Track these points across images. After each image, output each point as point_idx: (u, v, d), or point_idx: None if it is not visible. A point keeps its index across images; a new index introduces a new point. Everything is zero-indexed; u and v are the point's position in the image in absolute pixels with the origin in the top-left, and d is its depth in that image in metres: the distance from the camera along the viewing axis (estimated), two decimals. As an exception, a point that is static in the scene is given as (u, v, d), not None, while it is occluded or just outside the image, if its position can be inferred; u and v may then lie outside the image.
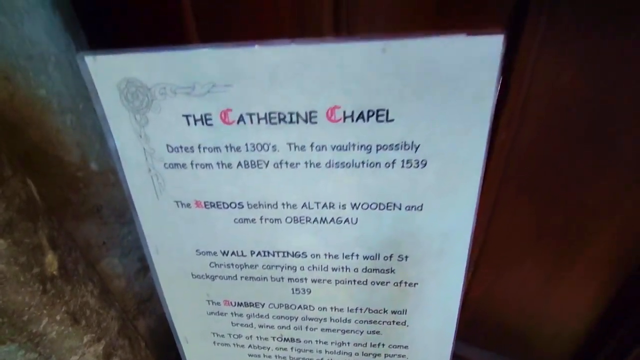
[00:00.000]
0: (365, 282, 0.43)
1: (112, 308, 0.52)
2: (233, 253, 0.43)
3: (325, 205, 0.38)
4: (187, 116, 0.35)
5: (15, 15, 0.41)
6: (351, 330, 0.47)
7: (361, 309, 0.45)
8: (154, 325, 0.67)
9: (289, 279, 0.44)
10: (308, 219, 0.39)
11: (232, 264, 0.44)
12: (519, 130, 0.42)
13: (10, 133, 0.43)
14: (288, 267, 0.43)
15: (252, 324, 0.49)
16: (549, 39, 0.36)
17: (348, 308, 0.45)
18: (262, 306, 0.47)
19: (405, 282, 0.42)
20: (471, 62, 0.29)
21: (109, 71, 0.34)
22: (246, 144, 0.36)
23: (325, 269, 0.42)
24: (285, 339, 0.50)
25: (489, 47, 0.28)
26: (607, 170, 0.42)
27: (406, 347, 0.48)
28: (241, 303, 0.47)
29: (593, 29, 0.34)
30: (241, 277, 0.45)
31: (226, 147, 0.36)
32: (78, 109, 0.48)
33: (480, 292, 0.60)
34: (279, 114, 0.34)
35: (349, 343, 0.48)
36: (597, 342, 0.56)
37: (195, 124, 0.35)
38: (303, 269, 0.43)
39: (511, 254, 0.54)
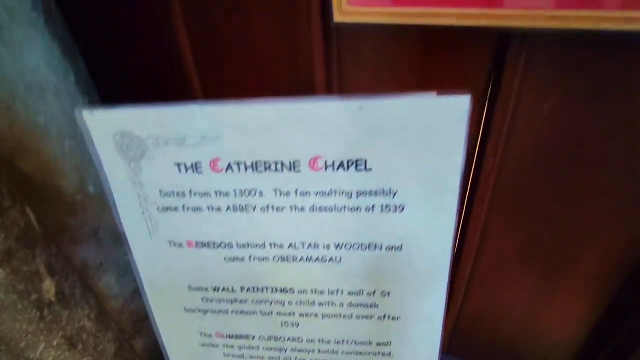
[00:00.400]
0: (350, 316, 0.45)
1: (109, 330, 0.53)
2: (224, 289, 0.45)
3: (310, 245, 0.40)
4: (178, 165, 0.37)
5: (15, 47, 0.42)
6: (339, 361, 0.49)
7: (347, 341, 0.47)
8: (151, 344, 0.68)
9: (278, 313, 0.46)
10: (295, 258, 0.41)
11: (224, 299, 0.46)
12: (505, 157, 0.44)
13: (9, 161, 0.44)
14: (277, 302, 0.45)
15: (243, 355, 0.50)
16: (529, 75, 0.38)
17: (335, 340, 0.47)
18: (253, 338, 0.49)
19: (389, 316, 0.44)
20: (441, 120, 0.32)
21: (105, 125, 0.36)
22: (234, 190, 0.38)
23: (312, 304, 0.44)
24: (275, 369, 0.52)
25: (458, 107, 0.31)
26: (589, 194, 0.44)
27: (392, 376, 0.49)
28: (233, 335, 0.49)
29: (568, 66, 0.37)
30: (232, 311, 0.46)
31: (216, 192, 0.38)
32: (76, 134, 0.49)
33: (473, 311, 0.62)
34: (265, 162, 0.36)
35: (337, 373, 0.50)
36: (588, 356, 0.58)
37: (187, 171, 0.37)
38: (291, 304, 0.45)
39: (502, 274, 0.56)
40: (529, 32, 0.36)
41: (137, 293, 0.63)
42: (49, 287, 0.45)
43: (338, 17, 0.39)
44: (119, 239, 0.57)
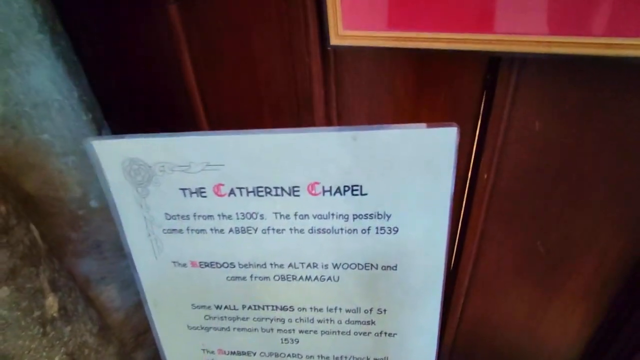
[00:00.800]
0: (348, 333, 0.46)
1: (110, 344, 0.54)
2: (226, 307, 0.46)
3: (309, 265, 0.42)
4: (183, 189, 0.39)
5: (23, 68, 0.44)
6: (338, 376, 0.50)
7: (346, 357, 0.48)
8: (152, 356, 0.68)
9: (278, 330, 0.47)
10: (294, 277, 0.43)
11: (226, 317, 0.47)
12: (499, 172, 0.46)
13: (14, 178, 0.45)
14: (277, 319, 0.46)
15: (244, 370, 0.52)
16: (519, 94, 0.40)
17: (334, 356, 0.49)
18: (254, 354, 0.50)
19: (385, 333, 0.46)
20: (431, 149, 0.34)
21: (113, 153, 0.38)
22: (236, 213, 0.40)
23: (312, 320, 0.46)
24: (276, 383, 0.53)
25: (446, 137, 0.33)
26: (582, 206, 0.46)
27: (390, 390, 0.51)
28: (234, 352, 0.50)
29: (557, 85, 0.39)
30: (234, 329, 0.48)
31: (219, 215, 0.40)
32: (79, 150, 0.50)
33: (472, 323, 0.63)
34: (266, 188, 0.38)
35: (336, 387, 0.52)
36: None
37: (191, 196, 0.39)
38: (291, 321, 0.46)
39: (499, 286, 0.57)
40: (517, 56, 0.38)
41: (138, 306, 0.64)
42: (51, 303, 0.46)
43: (334, 40, 0.40)
44: (120, 252, 0.57)
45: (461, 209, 0.51)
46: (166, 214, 0.41)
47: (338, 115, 0.47)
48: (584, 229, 0.47)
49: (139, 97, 0.56)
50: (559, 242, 0.49)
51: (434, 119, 0.44)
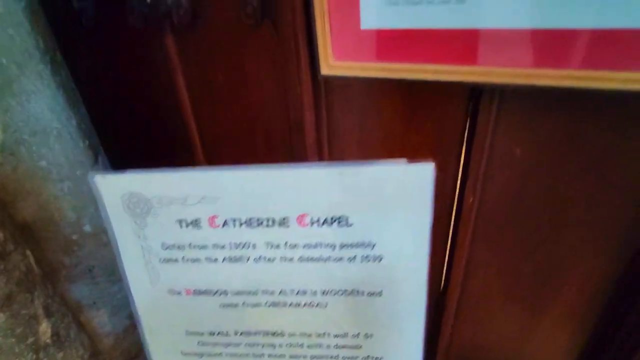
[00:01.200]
0: (337, 357, 0.48)
1: None
2: (219, 333, 0.48)
3: (298, 292, 0.44)
4: (180, 221, 0.41)
5: (23, 97, 0.44)
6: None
7: (335, 381, 0.50)
8: None
9: (269, 355, 0.49)
10: (284, 304, 0.45)
11: (219, 343, 0.49)
12: (483, 196, 0.48)
13: (11, 204, 0.46)
14: (268, 344, 0.48)
15: (236, 395, 0.53)
16: (501, 121, 0.42)
17: (323, 380, 0.50)
18: (246, 380, 0.52)
19: (372, 357, 0.48)
20: (409, 184, 0.37)
21: (114, 187, 0.41)
22: (230, 243, 0.42)
23: (302, 346, 0.48)
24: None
25: (423, 173, 0.36)
26: (565, 229, 0.48)
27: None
28: (226, 377, 0.52)
29: (537, 113, 0.41)
30: (226, 354, 0.50)
31: (213, 245, 0.42)
32: (75, 175, 0.50)
33: (462, 344, 0.65)
34: (258, 219, 0.40)
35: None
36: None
37: (187, 227, 0.42)
38: (282, 346, 0.48)
39: (487, 308, 0.58)
40: (498, 87, 0.40)
41: (128, 330, 0.64)
42: (45, 329, 0.46)
43: (325, 70, 0.42)
44: (112, 277, 0.57)
45: (449, 232, 0.53)
46: (163, 243, 0.43)
47: (329, 141, 0.49)
48: (567, 250, 0.49)
49: (135, 123, 0.58)
50: (544, 263, 0.51)
51: (422, 144, 0.47)
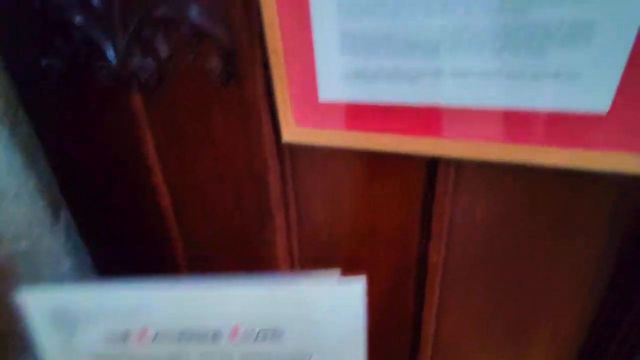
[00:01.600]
0: None
1: None
2: None
3: (236, 402, 0.42)
4: (108, 335, 0.40)
5: None
6: None
7: None
8: None
9: None
10: (222, 414, 0.43)
11: None
12: (448, 255, 0.49)
13: None
14: None
15: None
16: (461, 181, 0.44)
17: None
18: None
19: None
20: (341, 298, 0.37)
21: (41, 302, 0.39)
22: (161, 355, 0.40)
23: None
24: None
25: (354, 289, 0.36)
26: (532, 281, 0.48)
27: None
28: None
29: (495, 176, 0.42)
30: None
31: (144, 358, 0.41)
32: (32, 235, 0.51)
33: None
34: (190, 332, 0.39)
35: None
36: None
37: (117, 341, 0.40)
38: None
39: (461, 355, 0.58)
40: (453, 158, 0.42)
41: None
42: None
43: (286, 137, 0.42)
44: None
45: (414, 295, 0.54)
46: (92, 354, 0.41)
47: (296, 200, 0.51)
48: (536, 300, 0.50)
49: (101, 179, 0.58)
50: (514, 310, 0.52)
51: (385, 205, 0.48)
